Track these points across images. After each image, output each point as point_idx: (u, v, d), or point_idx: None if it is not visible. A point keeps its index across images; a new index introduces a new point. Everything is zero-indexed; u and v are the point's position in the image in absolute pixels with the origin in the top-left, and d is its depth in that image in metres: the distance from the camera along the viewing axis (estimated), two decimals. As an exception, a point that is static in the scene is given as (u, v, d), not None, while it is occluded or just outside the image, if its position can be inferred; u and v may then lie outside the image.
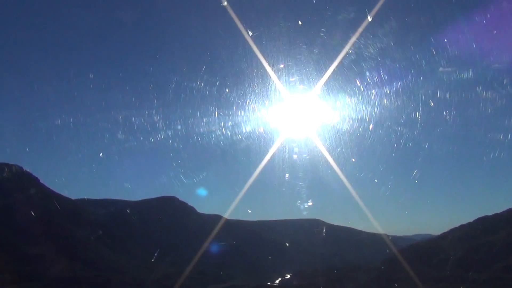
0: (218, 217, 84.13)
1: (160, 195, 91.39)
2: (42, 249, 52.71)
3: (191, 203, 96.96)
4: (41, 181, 69.83)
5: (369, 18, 19.23)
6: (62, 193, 72.92)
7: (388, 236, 67.52)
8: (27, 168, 68.95)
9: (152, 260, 66.54)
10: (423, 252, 51.28)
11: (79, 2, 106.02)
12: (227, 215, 78.76)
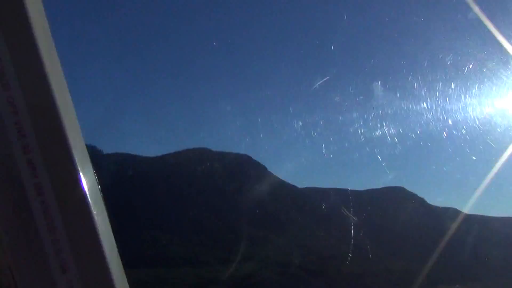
0: (454, 212, 75.80)
1: (385, 186, 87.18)
2: (266, 231, 54.78)
3: (420, 194, 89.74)
4: (269, 169, 73.79)
5: None
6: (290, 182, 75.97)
7: None
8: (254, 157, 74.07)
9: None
10: None
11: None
12: (466, 210, 69.85)
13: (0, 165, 0.78)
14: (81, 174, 0.84)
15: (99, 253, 0.83)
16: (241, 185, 67.18)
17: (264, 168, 74.56)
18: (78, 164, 0.84)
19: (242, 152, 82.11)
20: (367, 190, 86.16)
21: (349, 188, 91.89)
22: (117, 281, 0.85)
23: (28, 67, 0.78)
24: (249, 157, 75.59)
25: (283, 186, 72.67)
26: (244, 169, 70.88)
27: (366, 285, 47.39)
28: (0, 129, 0.77)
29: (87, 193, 0.83)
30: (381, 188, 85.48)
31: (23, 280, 0.78)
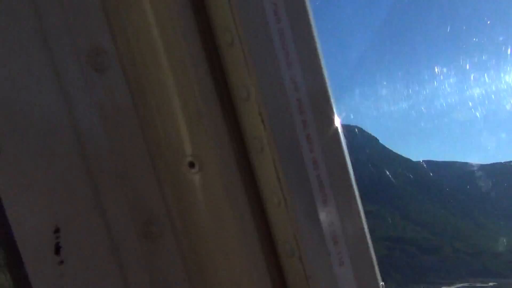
0: None
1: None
2: (377, 205, 54.22)
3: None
4: (381, 141, 71.92)
5: None
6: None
7: None
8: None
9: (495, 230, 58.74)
10: None
11: None
12: None
13: (284, 139, 0.84)
14: (346, 156, 0.91)
15: (363, 236, 0.89)
16: (352, 158, 66.45)
17: (377, 140, 72.86)
18: (343, 145, 0.90)
19: (353, 124, 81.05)
20: (492, 164, 79.99)
21: (470, 162, 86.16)
22: (377, 272, 0.92)
23: (305, 47, 0.86)
24: (361, 129, 74.34)
25: (396, 159, 70.40)
26: (356, 141, 69.88)
27: (484, 266, 44.64)
28: (285, 104, 0.84)
29: (351, 176, 0.90)
30: (508, 162, 78.85)
31: (305, 248, 0.85)
